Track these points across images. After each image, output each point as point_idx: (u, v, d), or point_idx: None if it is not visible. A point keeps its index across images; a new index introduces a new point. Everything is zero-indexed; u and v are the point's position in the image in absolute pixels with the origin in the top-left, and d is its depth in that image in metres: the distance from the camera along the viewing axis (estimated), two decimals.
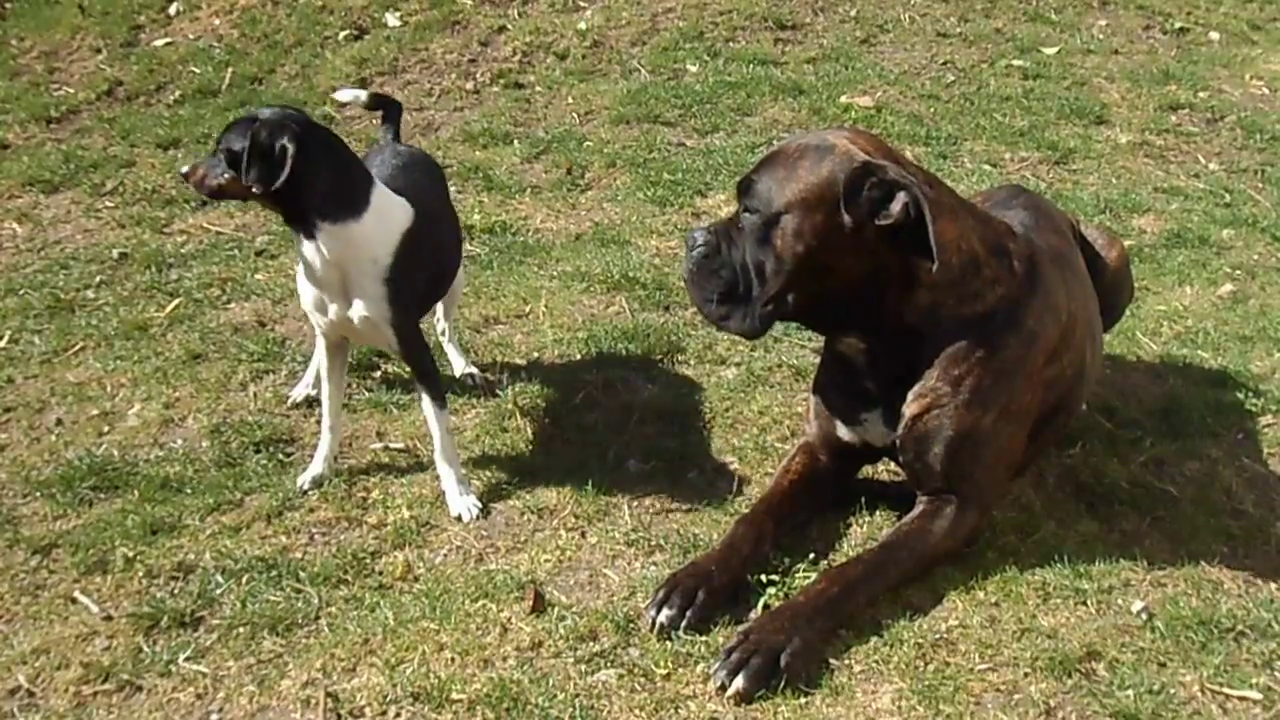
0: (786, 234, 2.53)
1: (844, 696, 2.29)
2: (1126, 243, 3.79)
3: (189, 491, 2.93)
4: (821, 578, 2.53)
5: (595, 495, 2.88)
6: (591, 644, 2.41)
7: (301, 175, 2.63)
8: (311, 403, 3.24)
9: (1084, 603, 2.55)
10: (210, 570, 2.64)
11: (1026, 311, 2.68)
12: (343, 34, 6.09)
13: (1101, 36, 6.77)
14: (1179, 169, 5.36)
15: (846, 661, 2.37)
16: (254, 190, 2.66)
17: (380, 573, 2.66)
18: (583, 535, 2.77)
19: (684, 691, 2.29)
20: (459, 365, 3.44)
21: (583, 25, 6.25)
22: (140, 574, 2.64)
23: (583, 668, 2.35)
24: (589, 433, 3.19)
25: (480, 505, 2.85)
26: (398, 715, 2.25)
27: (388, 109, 3.41)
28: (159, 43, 6.06)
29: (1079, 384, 2.93)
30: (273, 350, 3.57)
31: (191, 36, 6.11)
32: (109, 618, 2.52)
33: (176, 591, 2.60)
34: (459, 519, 2.82)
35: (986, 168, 5.13)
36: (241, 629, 2.47)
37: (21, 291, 3.96)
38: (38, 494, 2.94)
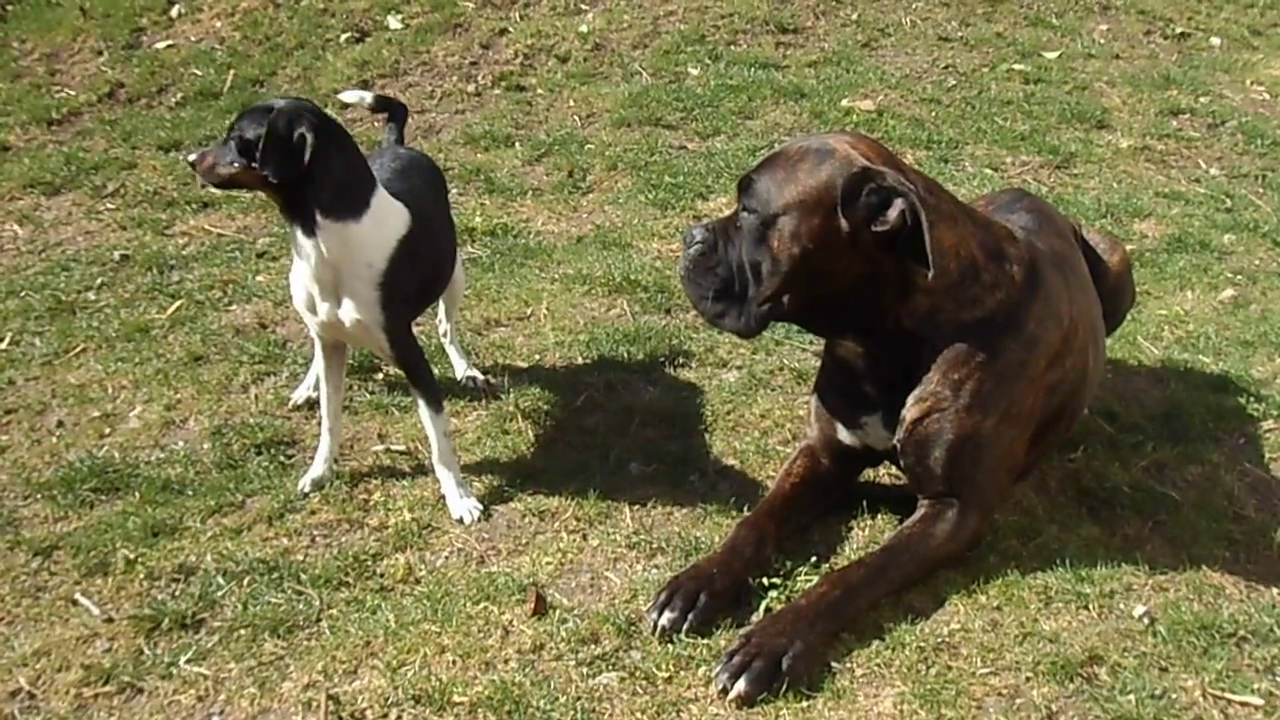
0: (783, 235, 2.53)
1: (846, 700, 2.29)
2: (1128, 247, 3.79)
3: (190, 493, 2.93)
4: (823, 581, 2.52)
5: (597, 498, 2.88)
6: (593, 647, 2.41)
7: (315, 167, 2.62)
8: (313, 405, 3.24)
9: (1086, 607, 2.55)
10: (211, 572, 2.64)
11: (1027, 316, 2.68)
12: (344, 36, 6.09)
13: (1102, 41, 6.78)
14: (1180, 174, 5.36)
15: (848, 665, 2.37)
16: (269, 179, 2.62)
17: (382, 575, 2.66)
18: (584, 538, 2.77)
19: (685, 694, 2.29)
20: (460, 368, 3.44)
21: (584, 28, 6.26)
22: (141, 576, 2.64)
23: (584, 670, 2.35)
24: (590, 435, 3.19)
25: (481, 507, 2.85)
26: (399, 717, 2.25)
27: (393, 111, 3.41)
28: (160, 45, 6.06)
29: (1082, 388, 2.93)
30: (274, 352, 3.57)
31: (193, 39, 6.11)
32: (110, 620, 2.52)
33: (178, 594, 2.60)
34: (460, 522, 2.81)
35: (987, 172, 5.13)
36: (243, 631, 2.47)
37: (23, 293, 3.96)
38: (39, 496, 2.93)
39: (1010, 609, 2.53)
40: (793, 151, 2.60)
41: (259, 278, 4.07)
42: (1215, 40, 7.02)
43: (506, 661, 2.37)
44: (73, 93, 5.67)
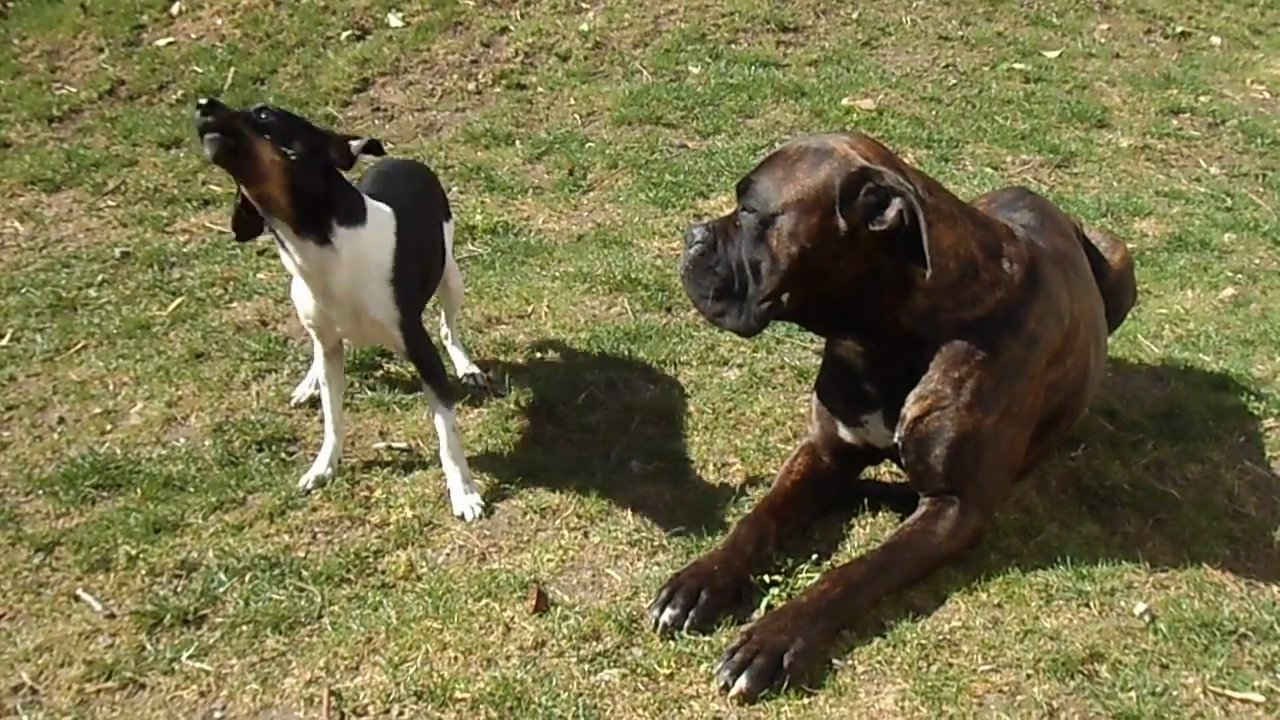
0: (782, 234, 2.54)
1: (847, 697, 2.29)
2: (1128, 246, 3.79)
3: (191, 490, 2.93)
4: (824, 578, 2.53)
5: (598, 495, 2.88)
6: (594, 644, 2.41)
7: (334, 177, 2.65)
8: (314, 402, 3.24)
9: (1086, 604, 2.55)
10: (213, 568, 2.64)
11: (1028, 314, 2.68)
12: (345, 34, 6.09)
13: (1103, 40, 6.79)
14: (1180, 173, 5.37)
15: (850, 662, 2.38)
16: (293, 162, 2.54)
17: (383, 572, 2.66)
18: (585, 535, 2.77)
19: (687, 691, 2.29)
20: (462, 366, 3.44)
21: (585, 26, 6.26)
22: (143, 572, 2.64)
23: (586, 667, 2.35)
24: (591, 433, 3.19)
25: (484, 505, 2.85)
26: (401, 714, 2.25)
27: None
28: (161, 42, 6.06)
29: (1083, 387, 2.93)
30: (275, 349, 3.58)
31: (194, 36, 6.11)
32: (112, 615, 2.52)
33: (179, 590, 2.60)
34: (462, 517, 2.82)
35: (988, 170, 5.14)
36: (244, 627, 2.47)
37: (24, 290, 3.97)
38: (40, 492, 2.94)
39: (1011, 606, 2.53)
40: (792, 151, 2.61)
41: (260, 275, 4.07)
42: (1216, 39, 7.02)
43: (508, 658, 2.37)
44: (73, 89, 5.67)
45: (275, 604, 2.53)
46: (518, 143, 5.23)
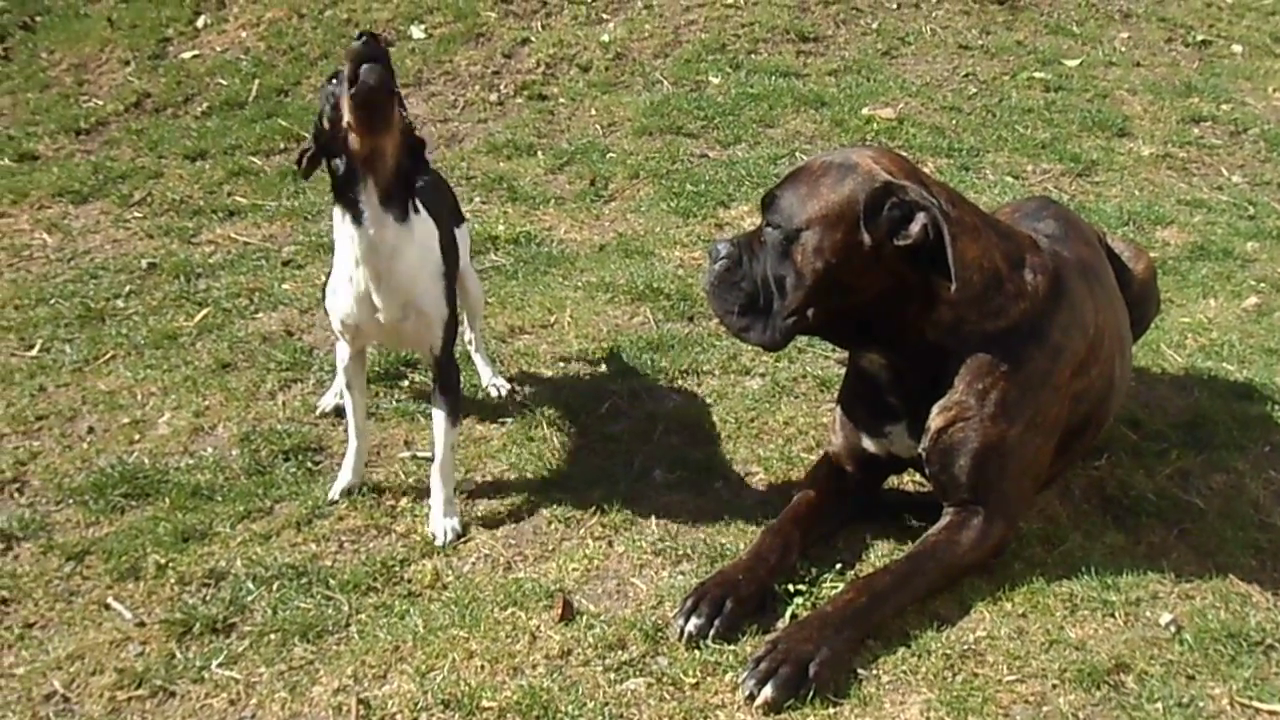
0: (807, 250, 2.55)
1: (872, 706, 2.29)
2: (1149, 254, 3.79)
3: (219, 499, 2.96)
4: (849, 588, 2.53)
5: (622, 505, 2.89)
6: (620, 652, 2.42)
7: (421, 158, 2.66)
8: (339, 412, 3.26)
9: (1112, 615, 2.54)
10: (241, 577, 2.66)
11: (1052, 325, 2.69)
12: None
13: (1123, 49, 6.77)
14: (1202, 181, 5.36)
15: (875, 671, 2.38)
16: (408, 123, 2.56)
17: (409, 580, 2.68)
18: (610, 544, 2.78)
19: (713, 700, 2.30)
20: (486, 376, 3.46)
21: (605, 37, 6.29)
22: (172, 581, 2.66)
23: (612, 676, 2.36)
24: (615, 443, 3.21)
25: (461, 531, 2.82)
26: None
27: None
28: (187, 55, 6.13)
29: (1108, 397, 2.93)
30: (300, 359, 3.61)
31: (219, 49, 6.17)
32: (142, 624, 2.54)
33: (208, 598, 2.62)
34: (434, 538, 2.80)
35: (1009, 180, 5.14)
36: (273, 636, 2.49)
37: (52, 301, 4.01)
38: (70, 501, 2.97)
39: (1036, 616, 2.53)
40: (816, 166, 2.62)
41: (285, 285, 4.11)
42: (1237, 48, 7.00)
43: (534, 667, 2.38)
44: (100, 102, 5.74)
45: (303, 612, 2.55)
46: (539, 153, 5.26)
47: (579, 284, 4.10)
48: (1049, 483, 2.90)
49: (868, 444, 2.82)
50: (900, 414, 2.74)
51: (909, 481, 2.99)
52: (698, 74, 6.05)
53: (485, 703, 2.28)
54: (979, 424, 2.62)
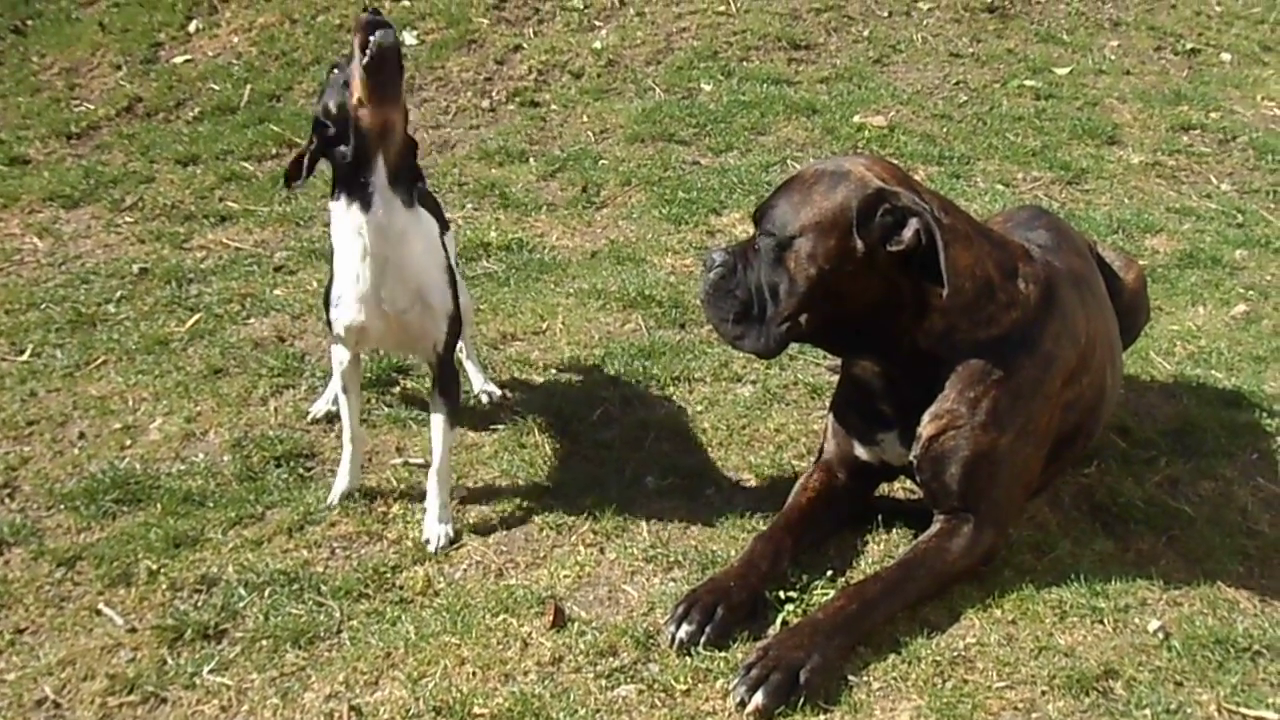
0: (800, 257, 2.56)
1: (863, 713, 2.30)
2: (1139, 263, 3.81)
3: (211, 505, 2.96)
4: (840, 595, 2.54)
5: (613, 512, 2.90)
6: (611, 659, 2.43)
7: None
8: (332, 418, 3.27)
9: (1101, 621, 2.56)
10: (233, 583, 2.66)
11: (1043, 334, 2.70)
12: None
13: (1113, 57, 6.80)
14: (1191, 189, 5.38)
15: (865, 678, 2.39)
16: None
17: (401, 587, 2.68)
18: (601, 551, 2.79)
19: (704, 707, 2.31)
20: (477, 382, 3.46)
21: (598, 44, 6.30)
22: (164, 586, 2.66)
23: (603, 683, 2.36)
24: (606, 449, 3.21)
25: (454, 537, 2.82)
26: None
27: None
28: (179, 60, 6.12)
29: (1099, 406, 2.95)
30: (292, 365, 3.60)
31: (211, 54, 6.17)
32: (133, 630, 2.54)
33: (199, 604, 2.62)
34: (426, 543, 2.80)
35: (999, 188, 5.15)
36: (264, 642, 2.49)
37: (43, 306, 4.00)
38: (62, 506, 2.96)
39: (1025, 623, 2.54)
40: (808, 175, 2.64)
41: (277, 291, 4.11)
42: (1226, 56, 7.04)
43: (526, 673, 2.39)
44: (91, 107, 5.73)
45: (294, 619, 2.55)
46: (531, 160, 5.26)
47: (570, 291, 4.11)
48: (1039, 491, 2.91)
49: (860, 451, 2.84)
50: (893, 421, 2.75)
51: (900, 489, 3.00)
52: (689, 81, 6.06)
53: (477, 709, 2.29)
54: (970, 432, 2.63)
